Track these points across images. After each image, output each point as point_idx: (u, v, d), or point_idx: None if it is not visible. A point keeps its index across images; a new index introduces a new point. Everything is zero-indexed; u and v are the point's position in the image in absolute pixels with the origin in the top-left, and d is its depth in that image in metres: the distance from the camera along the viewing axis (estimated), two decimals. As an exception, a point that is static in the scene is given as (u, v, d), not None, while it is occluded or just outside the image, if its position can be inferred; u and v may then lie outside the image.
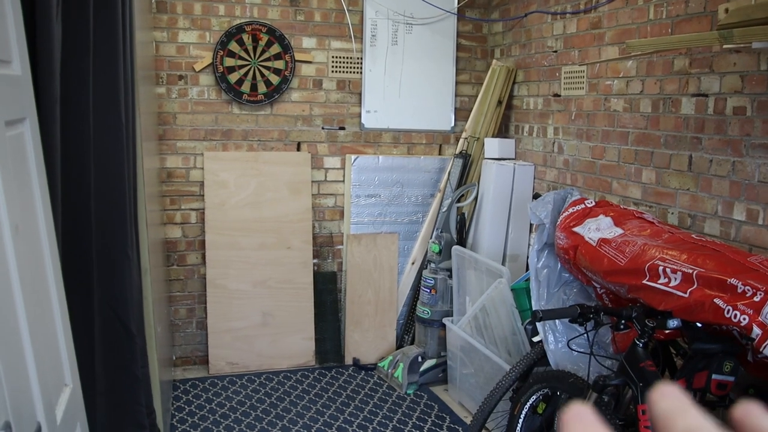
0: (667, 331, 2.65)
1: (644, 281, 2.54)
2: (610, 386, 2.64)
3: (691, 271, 2.38)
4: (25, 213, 1.61)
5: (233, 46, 4.52)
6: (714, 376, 2.44)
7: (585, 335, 2.75)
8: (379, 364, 4.72)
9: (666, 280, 2.45)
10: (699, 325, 2.47)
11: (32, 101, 1.80)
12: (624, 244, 2.72)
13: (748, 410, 0.37)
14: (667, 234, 2.75)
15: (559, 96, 4.24)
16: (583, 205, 3.15)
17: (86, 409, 2.00)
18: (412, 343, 4.80)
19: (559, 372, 3.07)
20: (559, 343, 3.21)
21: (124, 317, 2.57)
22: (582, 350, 2.83)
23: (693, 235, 2.75)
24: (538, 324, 3.23)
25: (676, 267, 2.44)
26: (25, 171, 1.67)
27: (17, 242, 1.48)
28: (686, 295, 2.37)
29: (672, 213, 3.32)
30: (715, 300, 2.29)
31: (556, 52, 4.27)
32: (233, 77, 4.54)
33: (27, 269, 1.54)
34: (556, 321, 3.19)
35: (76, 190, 2.25)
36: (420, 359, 4.50)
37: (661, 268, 2.48)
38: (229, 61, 4.52)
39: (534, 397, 3.14)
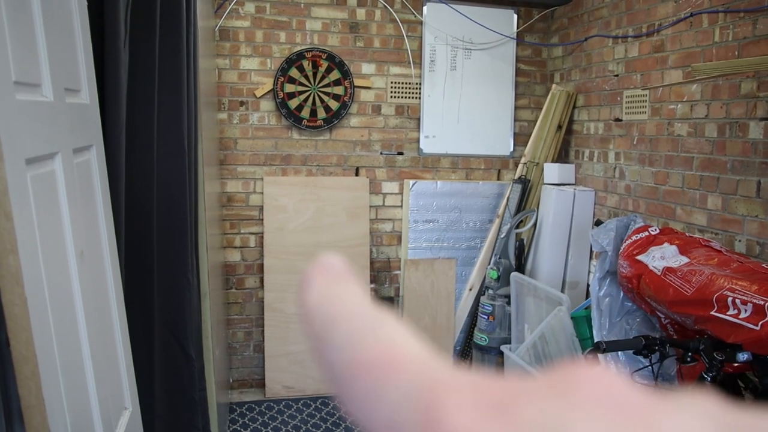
0: (736, 365, 2.55)
1: (712, 312, 2.46)
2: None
3: (762, 302, 2.29)
4: (90, 238, 1.64)
5: (293, 73, 4.58)
6: (787, 413, 2.33)
7: (649, 367, 2.66)
8: (436, 391, 4.66)
9: (735, 311, 2.36)
10: (771, 359, 2.37)
11: (99, 129, 1.84)
12: (690, 273, 2.64)
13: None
14: (735, 263, 2.66)
15: (621, 120, 4.16)
16: (647, 233, 3.07)
17: (145, 432, 2.02)
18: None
19: (622, 404, 2.98)
20: (621, 374, 3.11)
21: (182, 341, 2.59)
22: (646, 382, 2.74)
23: (763, 265, 2.64)
24: (599, 354, 3.15)
25: (746, 298, 2.35)
26: (91, 197, 1.71)
27: (82, 267, 1.51)
28: (757, 328, 2.28)
29: (739, 241, 3.21)
30: (788, 333, 2.19)
31: (617, 76, 4.20)
32: (293, 103, 4.60)
33: (90, 293, 1.57)
34: (619, 351, 3.10)
35: (139, 214, 2.29)
36: (477, 387, 4.42)
37: (730, 298, 2.39)
38: (290, 87, 4.58)
39: (595, 429, 3.05)
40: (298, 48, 4.60)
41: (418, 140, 4.86)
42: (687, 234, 3.18)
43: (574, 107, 4.71)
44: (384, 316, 0.28)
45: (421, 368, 0.25)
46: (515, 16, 4.90)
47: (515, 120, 4.99)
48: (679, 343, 2.60)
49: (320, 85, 4.62)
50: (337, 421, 4.30)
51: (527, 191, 4.69)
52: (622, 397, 0.22)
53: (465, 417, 0.22)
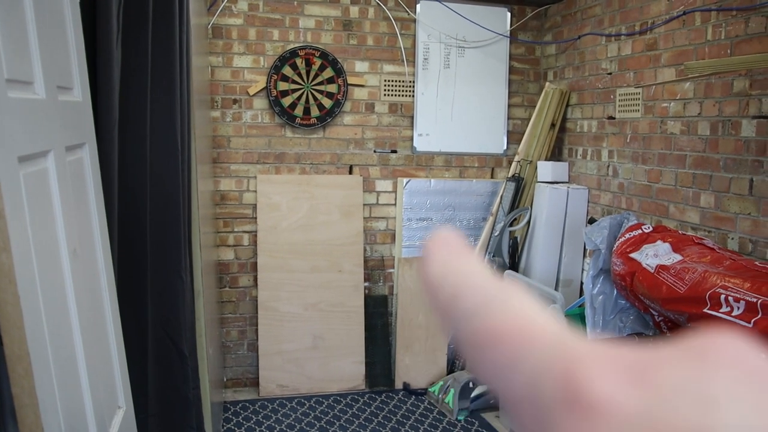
0: (729, 362, 2.56)
1: (705, 310, 2.46)
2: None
3: (755, 299, 2.30)
4: (83, 237, 1.63)
5: (287, 71, 4.57)
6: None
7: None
8: (430, 389, 4.67)
9: (728, 308, 2.37)
10: (764, 356, 2.37)
11: (92, 127, 1.83)
12: (683, 271, 2.64)
13: None
14: (728, 261, 2.67)
15: (614, 118, 4.17)
16: (640, 231, 3.08)
17: (138, 431, 2.02)
18: (463, 369, 4.74)
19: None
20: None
21: (176, 339, 2.59)
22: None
23: (756, 262, 2.66)
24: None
25: (738, 295, 2.36)
26: (84, 195, 1.70)
27: (75, 265, 1.50)
28: (750, 325, 2.29)
29: (732, 238, 3.22)
30: (781, 330, 2.20)
31: (610, 74, 4.21)
32: (286, 101, 4.59)
33: (84, 292, 1.57)
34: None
35: (132, 213, 2.29)
36: (471, 385, 4.44)
37: (723, 296, 2.40)
38: (283, 85, 4.58)
39: (589, 427, 3.05)
40: (292, 46, 4.59)
41: (411, 138, 4.86)
42: (680, 232, 3.19)
43: (568, 105, 4.72)
44: (511, 287, 0.30)
45: (556, 339, 0.27)
46: (508, 14, 4.90)
47: (509, 118, 5.00)
48: (672, 340, 2.61)
49: (313, 83, 4.62)
50: (332, 419, 4.29)
51: (521, 189, 4.69)
52: (756, 363, 0.24)
53: (606, 384, 0.23)
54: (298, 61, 4.59)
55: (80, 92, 1.74)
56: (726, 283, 2.44)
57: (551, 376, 0.25)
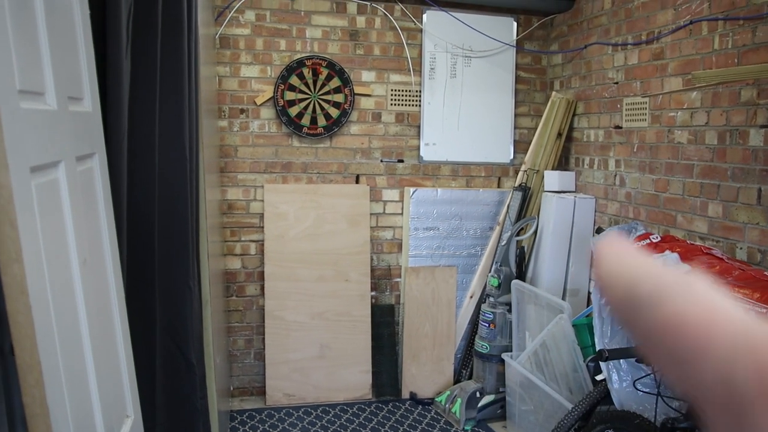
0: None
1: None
2: (678, 429, 2.55)
3: (765, 310, 2.29)
4: (93, 246, 1.64)
5: (294, 80, 4.59)
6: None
7: (652, 375, 2.66)
8: (437, 399, 4.65)
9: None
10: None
11: (101, 137, 1.84)
12: (692, 280, 2.63)
13: None
14: (737, 271, 2.66)
15: (621, 128, 4.17)
16: (648, 240, 3.07)
17: (147, 440, 2.02)
18: (470, 378, 4.73)
19: (624, 412, 2.98)
20: (623, 382, 3.12)
21: (184, 348, 2.59)
22: (648, 390, 2.73)
23: (765, 272, 2.65)
24: (601, 362, 3.15)
25: (748, 306, 2.35)
26: (94, 205, 1.71)
27: (85, 275, 1.51)
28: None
29: (740, 248, 3.21)
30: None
31: (617, 83, 4.21)
32: (293, 111, 4.60)
33: (93, 301, 1.57)
34: (621, 359, 3.10)
35: (141, 222, 2.29)
36: (478, 395, 4.43)
37: (731, 306, 2.39)
38: (290, 95, 4.59)
39: (597, 437, 3.05)
40: (299, 56, 4.60)
41: (418, 148, 4.86)
42: (688, 242, 3.18)
43: (574, 115, 4.72)
44: (692, 274, 0.30)
45: (745, 326, 0.27)
46: (515, 24, 4.91)
47: (515, 127, 5.00)
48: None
49: (320, 92, 4.63)
50: (339, 429, 4.29)
51: (528, 199, 4.69)
52: None
53: None
54: (305, 71, 4.60)
55: (90, 103, 1.75)
56: (735, 294, 2.43)
57: (744, 366, 0.25)
